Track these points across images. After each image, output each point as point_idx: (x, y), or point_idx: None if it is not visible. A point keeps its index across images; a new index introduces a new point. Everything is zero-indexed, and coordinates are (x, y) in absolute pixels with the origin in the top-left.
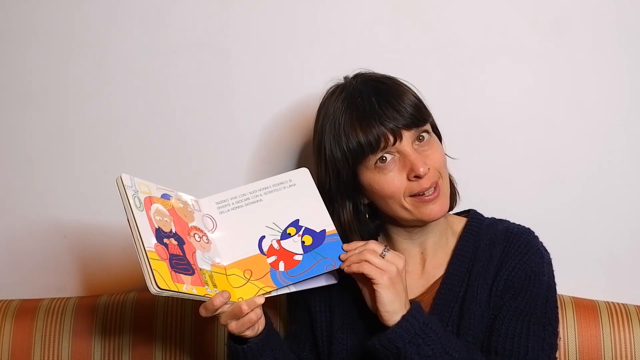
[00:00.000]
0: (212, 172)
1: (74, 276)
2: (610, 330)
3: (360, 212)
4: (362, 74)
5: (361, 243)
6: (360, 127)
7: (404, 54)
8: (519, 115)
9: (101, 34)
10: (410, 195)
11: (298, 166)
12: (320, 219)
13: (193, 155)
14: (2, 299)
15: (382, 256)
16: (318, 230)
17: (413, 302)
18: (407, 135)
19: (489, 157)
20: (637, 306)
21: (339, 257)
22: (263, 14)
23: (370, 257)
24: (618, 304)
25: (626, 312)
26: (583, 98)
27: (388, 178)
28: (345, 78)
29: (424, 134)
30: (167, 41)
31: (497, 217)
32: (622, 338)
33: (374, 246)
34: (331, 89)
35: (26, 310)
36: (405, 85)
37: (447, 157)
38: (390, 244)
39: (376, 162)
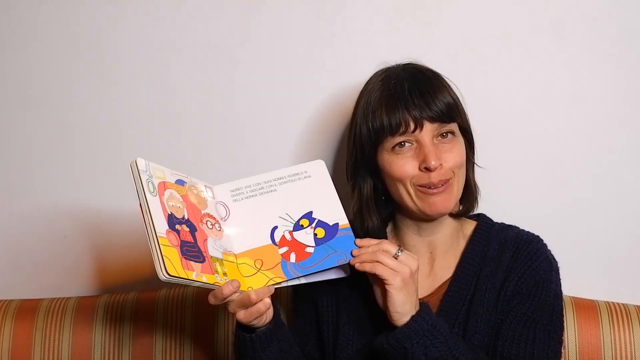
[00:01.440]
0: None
1: (74, 276)
2: (610, 330)
3: (378, 193)
4: (411, 63)
5: (375, 241)
6: (386, 108)
7: (403, 55)
8: (519, 116)
9: (103, 33)
10: (418, 185)
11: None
12: (334, 212)
13: (202, 151)
14: (2, 299)
15: (396, 257)
16: (331, 224)
17: (422, 304)
18: (429, 127)
19: (488, 158)
20: (637, 306)
21: (351, 252)
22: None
23: (383, 258)
24: (618, 304)
25: (626, 312)
26: (583, 98)
27: (400, 162)
28: (397, 64)
29: (448, 133)
30: (175, 41)
31: (497, 217)
32: (622, 338)
33: (388, 247)
34: (378, 71)
35: (26, 310)
36: (446, 83)
37: (476, 167)
38: (399, 239)
39: (394, 146)
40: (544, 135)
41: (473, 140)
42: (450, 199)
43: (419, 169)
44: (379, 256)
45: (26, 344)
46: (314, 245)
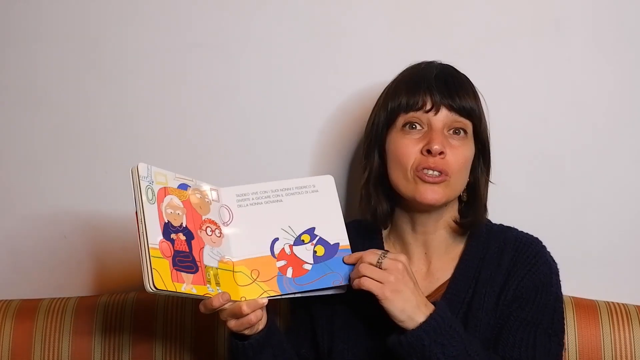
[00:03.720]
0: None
1: (74, 276)
2: (610, 330)
3: (384, 177)
4: (446, 64)
5: (360, 254)
6: (407, 88)
7: (401, 54)
8: (519, 115)
9: (104, 34)
10: (416, 170)
11: (329, 171)
12: (336, 231)
13: (206, 155)
14: (2, 299)
15: (379, 265)
16: (332, 243)
17: (438, 303)
18: (444, 114)
19: None
20: (637, 306)
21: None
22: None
23: (366, 271)
24: (618, 304)
25: (626, 312)
26: (583, 98)
27: (406, 142)
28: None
29: (461, 130)
30: (176, 41)
31: (497, 218)
32: (622, 338)
33: (370, 257)
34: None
35: (26, 310)
36: (476, 90)
37: (490, 183)
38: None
39: (405, 125)
40: (544, 134)
41: (489, 156)
42: (440, 193)
43: (421, 152)
44: (362, 270)
45: (26, 344)
46: (312, 262)
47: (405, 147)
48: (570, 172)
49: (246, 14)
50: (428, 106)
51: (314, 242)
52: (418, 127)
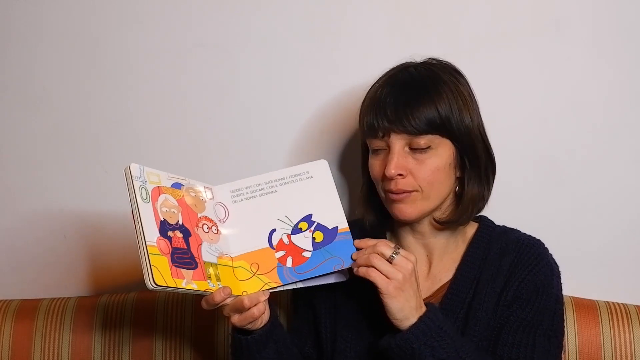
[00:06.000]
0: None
1: (74, 276)
2: (610, 330)
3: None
4: (426, 62)
5: (372, 242)
6: (368, 111)
7: (401, 54)
8: (518, 115)
9: (103, 34)
10: (386, 189)
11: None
12: (334, 215)
13: (203, 152)
14: (2, 299)
15: (391, 259)
16: (330, 227)
17: (429, 304)
18: (397, 137)
19: None
20: (637, 306)
21: (351, 256)
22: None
23: (377, 263)
24: (618, 304)
25: (626, 312)
26: (583, 98)
27: (374, 163)
28: (408, 62)
29: (422, 145)
30: (176, 41)
31: (498, 218)
32: (622, 338)
33: (383, 248)
34: (394, 67)
35: (26, 310)
36: (444, 93)
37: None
38: (397, 239)
39: (373, 147)
40: (543, 134)
41: (476, 150)
42: (409, 210)
43: (384, 174)
44: (373, 260)
45: (26, 344)
46: (311, 249)
47: (374, 169)
48: (570, 172)
49: (246, 14)
50: (380, 133)
51: (312, 228)
52: (383, 148)
